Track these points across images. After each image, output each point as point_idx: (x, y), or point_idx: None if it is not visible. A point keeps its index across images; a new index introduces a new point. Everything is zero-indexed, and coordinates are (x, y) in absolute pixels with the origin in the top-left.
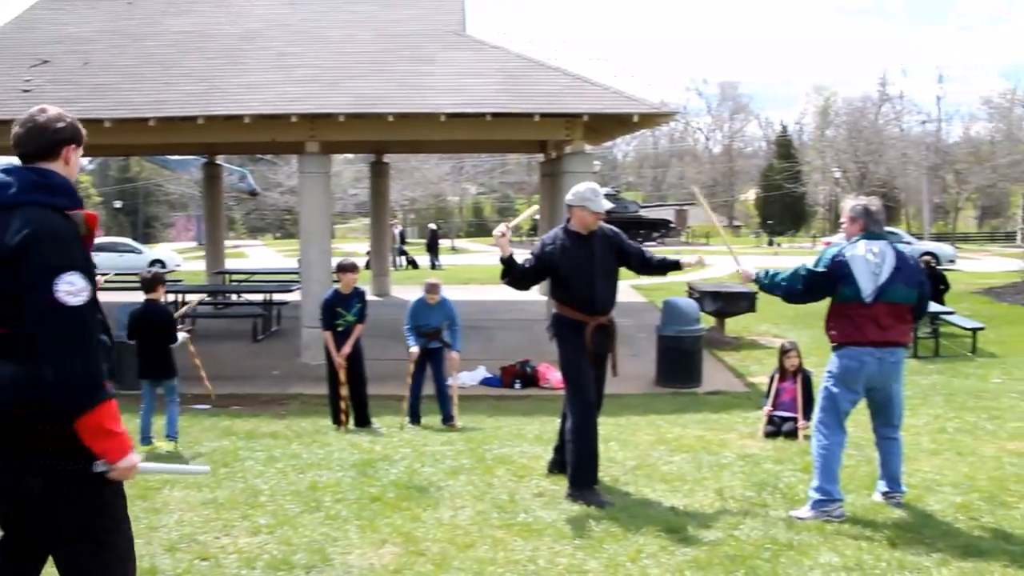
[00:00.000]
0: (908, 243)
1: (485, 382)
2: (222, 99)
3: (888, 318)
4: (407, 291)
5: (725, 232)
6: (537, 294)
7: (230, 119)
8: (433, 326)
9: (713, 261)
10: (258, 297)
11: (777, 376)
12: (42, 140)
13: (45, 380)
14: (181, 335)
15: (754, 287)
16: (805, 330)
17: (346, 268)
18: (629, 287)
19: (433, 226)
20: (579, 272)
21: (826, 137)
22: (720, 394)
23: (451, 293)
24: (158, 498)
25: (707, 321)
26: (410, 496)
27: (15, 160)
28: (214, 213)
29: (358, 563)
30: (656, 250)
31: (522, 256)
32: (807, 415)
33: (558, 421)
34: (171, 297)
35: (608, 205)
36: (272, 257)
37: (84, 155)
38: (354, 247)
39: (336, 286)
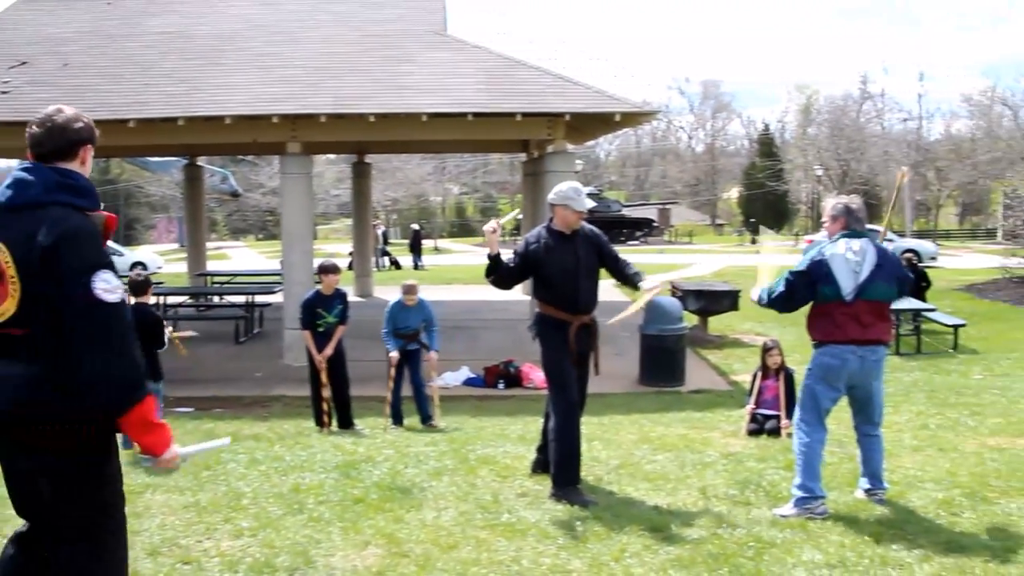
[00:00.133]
0: (891, 240)
1: (468, 382)
2: (203, 100)
3: (869, 316)
4: (390, 292)
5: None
6: (520, 294)
7: (211, 120)
8: (411, 328)
9: (695, 260)
10: (240, 299)
11: (760, 374)
12: (61, 140)
13: (90, 378)
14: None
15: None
16: (788, 328)
17: (328, 269)
18: (612, 286)
19: (416, 226)
20: (562, 271)
21: (808, 135)
22: (703, 392)
23: (434, 293)
24: (139, 502)
25: (690, 320)
26: (393, 497)
27: None
28: (195, 215)
29: (341, 565)
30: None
31: (506, 256)
32: (790, 413)
33: (541, 421)
34: (151, 300)
35: (590, 204)
36: (254, 259)
37: None
38: (337, 248)
39: (318, 287)
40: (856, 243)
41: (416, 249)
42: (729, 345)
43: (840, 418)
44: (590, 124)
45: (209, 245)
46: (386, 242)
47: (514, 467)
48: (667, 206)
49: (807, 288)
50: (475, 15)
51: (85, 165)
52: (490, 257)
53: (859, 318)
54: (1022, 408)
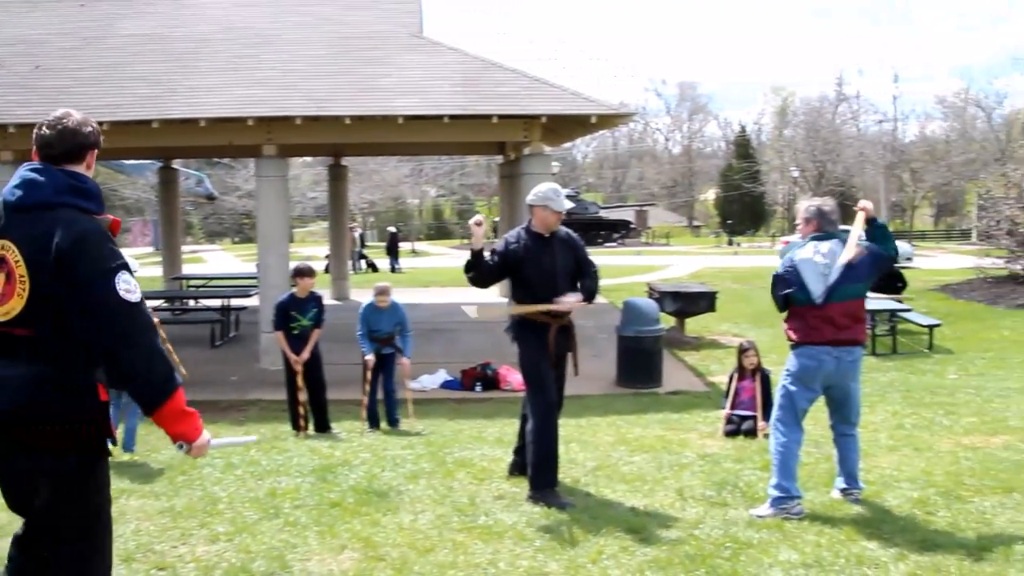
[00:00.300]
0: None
1: (446, 385)
2: (177, 102)
3: (844, 317)
4: (366, 295)
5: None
6: (498, 296)
7: (186, 122)
8: (385, 331)
9: (672, 261)
10: (216, 302)
11: (736, 375)
12: (73, 143)
13: (133, 376)
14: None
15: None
16: (765, 329)
17: (302, 273)
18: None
19: (392, 229)
20: (541, 272)
21: (784, 137)
22: (681, 394)
23: (411, 296)
24: (114, 507)
25: (667, 321)
26: (370, 501)
27: None
28: (171, 218)
29: (317, 569)
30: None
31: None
32: (766, 414)
33: (518, 423)
34: None
35: (569, 205)
36: (231, 262)
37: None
38: (313, 251)
39: (293, 290)
40: (825, 245)
41: (393, 252)
42: (706, 346)
43: (816, 418)
44: (566, 126)
45: (184, 248)
46: (363, 245)
47: (491, 470)
48: (644, 208)
49: (784, 291)
50: (452, 16)
51: (90, 169)
52: (473, 251)
53: (833, 320)
54: (996, 407)
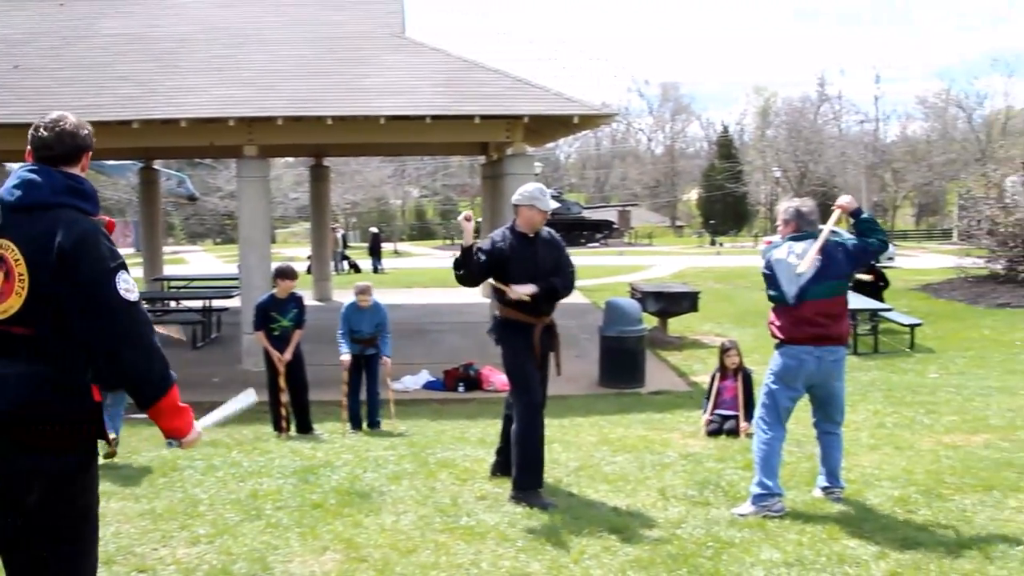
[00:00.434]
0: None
1: (428, 386)
2: (158, 103)
3: (819, 316)
4: (349, 296)
5: None
6: (480, 296)
7: (167, 123)
8: (367, 332)
9: (654, 261)
10: (197, 304)
11: (718, 375)
12: (71, 145)
13: (135, 375)
14: None
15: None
16: (748, 328)
17: (283, 274)
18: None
19: (375, 230)
20: (525, 273)
21: (766, 137)
22: (663, 394)
23: (394, 297)
24: None
25: (649, 321)
26: (352, 502)
27: None
28: (152, 219)
29: (299, 571)
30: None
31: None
32: (748, 413)
33: (500, 424)
34: None
35: (555, 205)
36: (212, 263)
37: (15, 161)
38: (296, 252)
39: (273, 290)
40: (799, 246)
41: (376, 252)
42: (689, 346)
43: (799, 418)
44: (549, 126)
45: (166, 249)
46: (345, 246)
47: (473, 470)
48: (627, 208)
49: (768, 289)
50: (434, 16)
51: (84, 171)
52: (464, 248)
53: (809, 320)
54: (976, 406)
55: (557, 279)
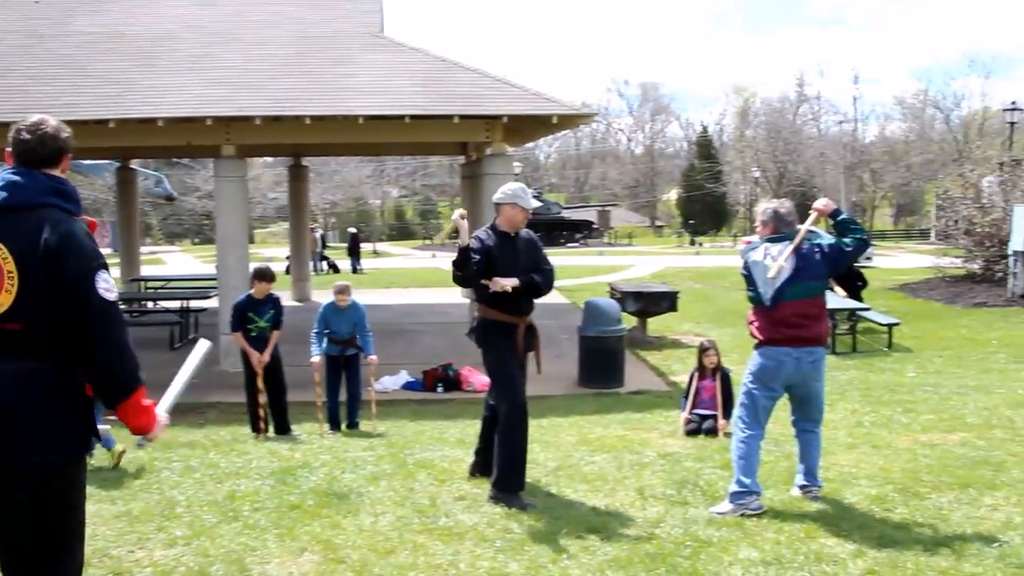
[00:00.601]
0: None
1: (407, 386)
2: (135, 102)
3: (797, 317)
4: (328, 296)
5: None
6: (460, 296)
7: (144, 122)
8: (345, 333)
9: (634, 261)
10: (175, 304)
11: (697, 375)
12: (53, 147)
13: (108, 373)
14: None
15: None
16: (727, 328)
17: (260, 276)
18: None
19: (354, 230)
20: (508, 271)
21: (746, 137)
22: (642, 393)
23: (373, 297)
24: None
25: (629, 321)
26: (330, 503)
27: None
28: (129, 219)
29: (277, 572)
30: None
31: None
32: (727, 413)
33: (479, 424)
34: None
35: (536, 204)
36: (190, 263)
37: None
38: (274, 252)
39: (251, 291)
40: (776, 248)
41: (355, 253)
42: (668, 346)
43: (777, 417)
44: (528, 126)
45: (143, 250)
46: (324, 246)
47: (452, 471)
48: (607, 208)
49: (747, 290)
50: (413, 15)
51: (65, 173)
52: (462, 248)
53: (786, 320)
54: (953, 404)
55: (538, 275)
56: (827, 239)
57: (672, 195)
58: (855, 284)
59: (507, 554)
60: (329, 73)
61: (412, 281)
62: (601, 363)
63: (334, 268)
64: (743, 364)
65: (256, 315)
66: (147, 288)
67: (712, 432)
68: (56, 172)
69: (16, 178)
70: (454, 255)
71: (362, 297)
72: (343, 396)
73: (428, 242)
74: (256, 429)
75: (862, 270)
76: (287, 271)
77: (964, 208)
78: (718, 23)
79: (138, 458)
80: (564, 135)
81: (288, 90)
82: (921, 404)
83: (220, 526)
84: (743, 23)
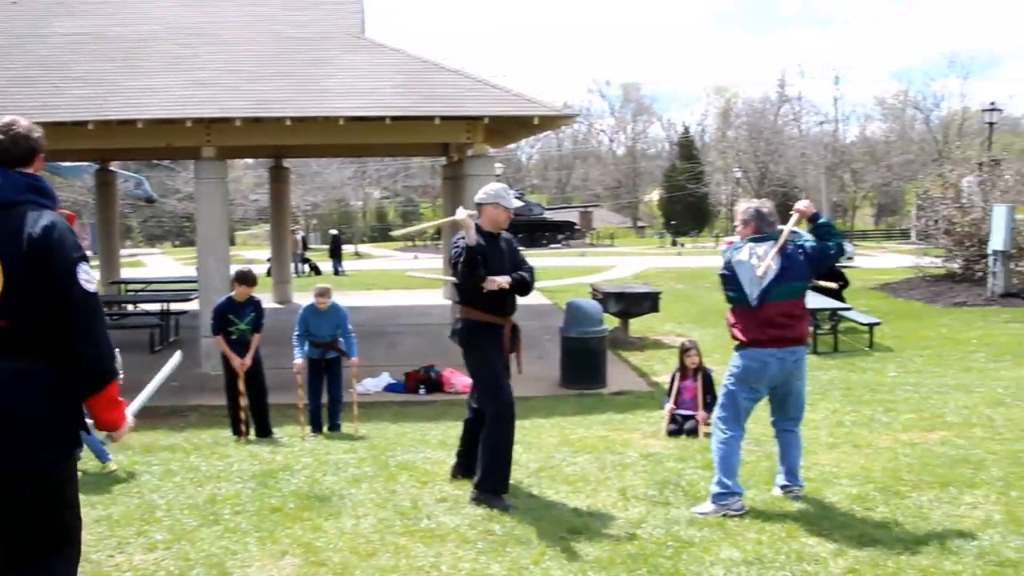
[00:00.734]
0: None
1: (389, 388)
2: (115, 103)
3: (782, 317)
4: (309, 298)
5: None
6: (441, 298)
7: (123, 124)
8: (326, 335)
9: (616, 262)
10: (155, 307)
11: (678, 375)
12: (26, 147)
13: (87, 363)
14: None
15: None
16: (708, 328)
17: (241, 279)
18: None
19: (335, 231)
20: (496, 271)
21: (727, 138)
22: (624, 394)
23: (354, 299)
24: None
25: (611, 322)
26: (311, 506)
27: None
28: (109, 221)
29: None
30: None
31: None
32: (708, 409)
33: (461, 426)
34: None
35: (518, 204)
36: (171, 265)
37: None
38: (256, 254)
39: (231, 293)
40: (761, 248)
41: (336, 254)
42: (650, 346)
43: (758, 417)
44: (510, 127)
45: (123, 252)
46: (306, 247)
47: (434, 472)
48: (589, 209)
49: (726, 290)
50: (394, 17)
51: (38, 172)
52: (470, 248)
53: (772, 320)
54: (934, 403)
55: (523, 274)
56: (810, 240)
57: (654, 196)
58: (838, 284)
59: (489, 555)
60: (310, 74)
61: (393, 283)
62: (583, 364)
63: (315, 270)
64: (725, 364)
65: (237, 318)
66: (127, 290)
67: (693, 433)
68: (29, 171)
69: None
70: (434, 256)
71: (343, 299)
72: (325, 399)
73: (411, 243)
74: (237, 432)
75: (843, 270)
76: (268, 273)
77: (944, 208)
78: (700, 24)
79: (118, 462)
80: (546, 136)
81: (269, 91)
82: (902, 403)
83: (201, 530)
84: (725, 24)
